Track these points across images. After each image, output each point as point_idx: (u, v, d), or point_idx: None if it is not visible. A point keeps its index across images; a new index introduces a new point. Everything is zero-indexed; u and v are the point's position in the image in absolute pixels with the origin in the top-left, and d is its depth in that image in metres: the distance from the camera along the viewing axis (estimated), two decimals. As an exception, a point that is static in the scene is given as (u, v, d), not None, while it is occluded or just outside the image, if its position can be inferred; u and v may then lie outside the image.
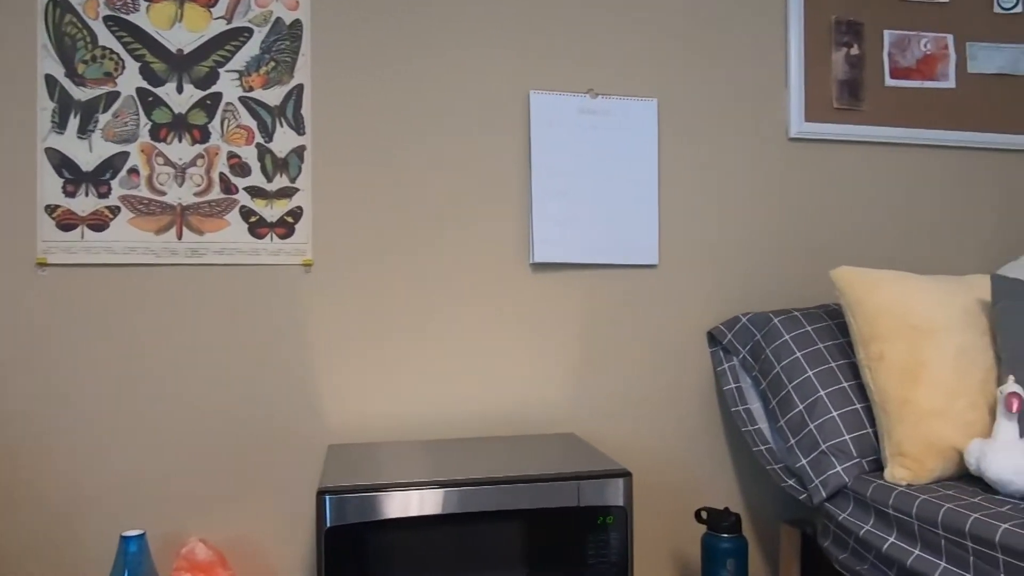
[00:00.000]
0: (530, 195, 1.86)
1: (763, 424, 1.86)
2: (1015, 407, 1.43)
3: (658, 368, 1.95)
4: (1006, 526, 1.26)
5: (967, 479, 1.53)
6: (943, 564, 1.37)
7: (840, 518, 1.59)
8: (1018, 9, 2.21)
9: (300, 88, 1.78)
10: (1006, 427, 1.43)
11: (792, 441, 1.73)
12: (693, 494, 1.96)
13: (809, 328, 1.83)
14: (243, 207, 1.75)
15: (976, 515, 1.32)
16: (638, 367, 1.93)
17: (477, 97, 1.85)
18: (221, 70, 1.74)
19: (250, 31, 1.76)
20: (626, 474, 1.35)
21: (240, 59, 1.75)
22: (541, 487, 1.33)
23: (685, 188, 1.97)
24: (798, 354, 1.78)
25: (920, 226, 2.13)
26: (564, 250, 1.87)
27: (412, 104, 1.82)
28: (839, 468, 1.62)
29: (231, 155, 1.75)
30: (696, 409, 1.98)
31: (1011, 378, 1.49)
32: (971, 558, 1.31)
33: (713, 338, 1.97)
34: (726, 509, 1.68)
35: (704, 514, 1.73)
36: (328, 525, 1.28)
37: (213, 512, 1.72)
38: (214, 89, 1.74)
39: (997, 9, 2.19)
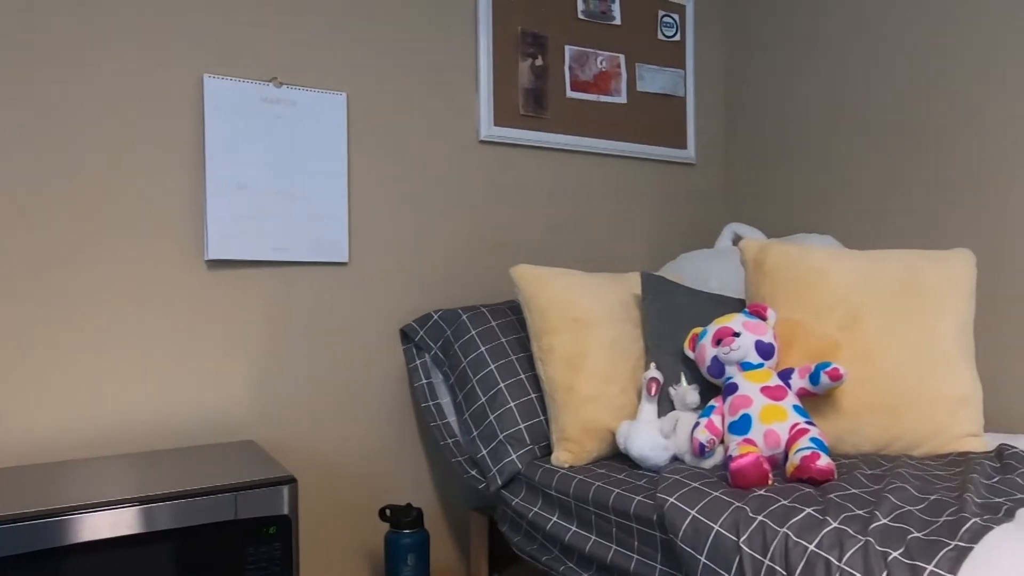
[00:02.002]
0: (204, 188, 1.73)
1: (452, 418, 1.91)
2: (653, 391, 1.60)
3: (350, 368, 1.91)
4: (639, 498, 1.40)
5: (620, 457, 1.69)
6: (593, 538, 1.50)
7: (514, 503, 1.68)
8: (677, 38, 2.50)
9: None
10: (647, 409, 1.60)
11: (475, 433, 1.79)
12: (386, 492, 1.96)
13: (494, 323, 1.91)
14: None
15: (618, 490, 1.46)
16: (328, 368, 1.88)
17: (141, 77, 1.67)
18: None
19: None
20: (290, 481, 1.30)
21: None
22: (194, 503, 1.22)
23: (377, 185, 1.96)
24: (482, 348, 1.85)
25: (595, 227, 2.33)
26: (244, 246, 1.76)
27: (60, 80, 1.60)
28: (514, 456, 1.71)
29: None
30: (390, 407, 1.98)
31: (652, 365, 1.67)
32: (614, 529, 1.45)
33: (406, 335, 1.98)
34: (408, 505, 1.69)
35: (388, 512, 1.73)
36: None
37: None
38: None
39: (660, 36, 2.47)
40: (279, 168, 1.80)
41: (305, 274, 1.85)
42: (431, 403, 1.92)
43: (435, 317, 1.95)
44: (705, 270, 2.21)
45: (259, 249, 1.78)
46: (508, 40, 2.15)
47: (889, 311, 1.59)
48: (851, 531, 1.09)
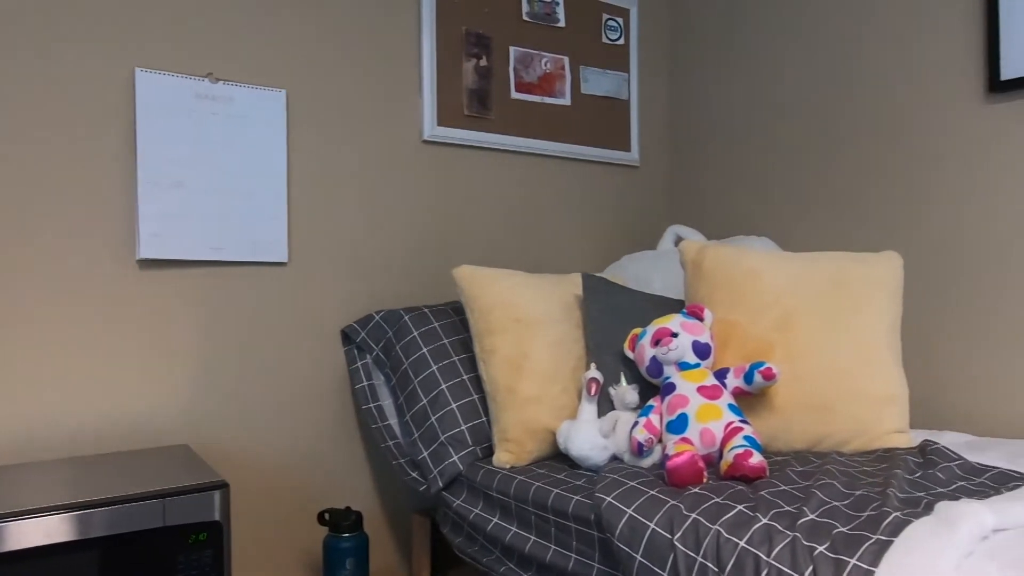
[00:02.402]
0: (136, 185, 1.67)
1: (393, 420, 1.90)
2: (593, 391, 1.61)
3: (289, 370, 1.88)
4: (577, 498, 1.41)
5: (560, 457, 1.70)
6: (533, 538, 1.50)
7: (455, 504, 1.67)
8: (621, 41, 2.53)
9: None
10: (587, 409, 1.62)
11: (416, 434, 1.78)
12: (327, 496, 1.93)
13: (436, 324, 1.90)
14: None
15: (557, 490, 1.46)
16: (267, 370, 1.85)
17: (69, 70, 1.61)
18: None
19: None
20: (221, 486, 1.27)
21: None
22: (120, 510, 1.19)
23: (318, 184, 1.93)
24: (424, 350, 1.84)
25: (539, 229, 2.34)
26: (178, 246, 1.72)
27: (-20, 70, 1.53)
28: (455, 457, 1.70)
29: None
30: (330, 410, 1.95)
31: (593, 365, 1.68)
32: (553, 529, 1.45)
33: (347, 336, 1.96)
34: (347, 508, 1.67)
35: (326, 515, 1.71)
36: None
37: None
38: None
39: (605, 39, 2.49)
40: (215, 166, 1.76)
41: (243, 274, 1.81)
42: (372, 405, 1.90)
43: (377, 318, 1.93)
44: (648, 271, 2.24)
45: (194, 249, 1.73)
46: (452, 40, 2.14)
47: (820, 312, 1.63)
48: (780, 527, 1.11)
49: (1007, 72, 1.78)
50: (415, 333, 1.87)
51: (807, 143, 2.25)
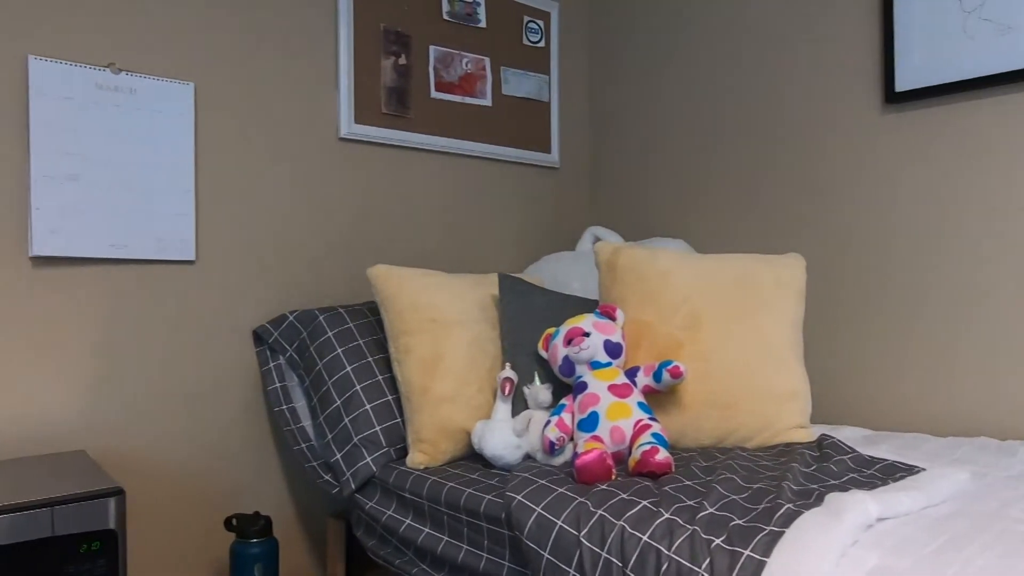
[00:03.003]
0: (29, 178, 1.59)
1: (307, 422, 1.86)
2: (507, 390, 1.62)
3: (197, 372, 1.82)
4: (489, 497, 1.41)
5: (475, 457, 1.70)
6: (445, 538, 1.50)
7: (368, 507, 1.65)
8: (542, 44, 2.55)
9: None
10: (501, 408, 1.62)
11: (329, 436, 1.75)
12: (237, 501, 1.88)
13: (352, 324, 1.87)
14: None
15: (470, 490, 1.46)
16: (173, 373, 1.78)
17: (-44, 55, 1.52)
18: None
19: None
20: (116, 493, 1.22)
21: None
22: (1, 520, 1.12)
23: (228, 181, 1.87)
24: (339, 350, 1.81)
25: (460, 229, 2.33)
26: (76, 243, 1.64)
27: None
28: (369, 459, 1.68)
29: None
30: (241, 413, 1.90)
31: (507, 365, 1.69)
32: (465, 529, 1.45)
33: (259, 337, 1.91)
34: (256, 513, 1.63)
35: (234, 521, 1.66)
36: None
37: None
38: None
39: (526, 41, 2.50)
40: (118, 160, 1.69)
41: (147, 273, 1.75)
42: (285, 407, 1.86)
43: (290, 318, 1.89)
44: (566, 272, 2.26)
45: (94, 246, 1.66)
46: (370, 37, 2.12)
47: (727, 311, 1.68)
48: (681, 521, 1.14)
49: (901, 84, 1.88)
50: (330, 334, 1.84)
51: (720, 150, 2.31)
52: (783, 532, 1.04)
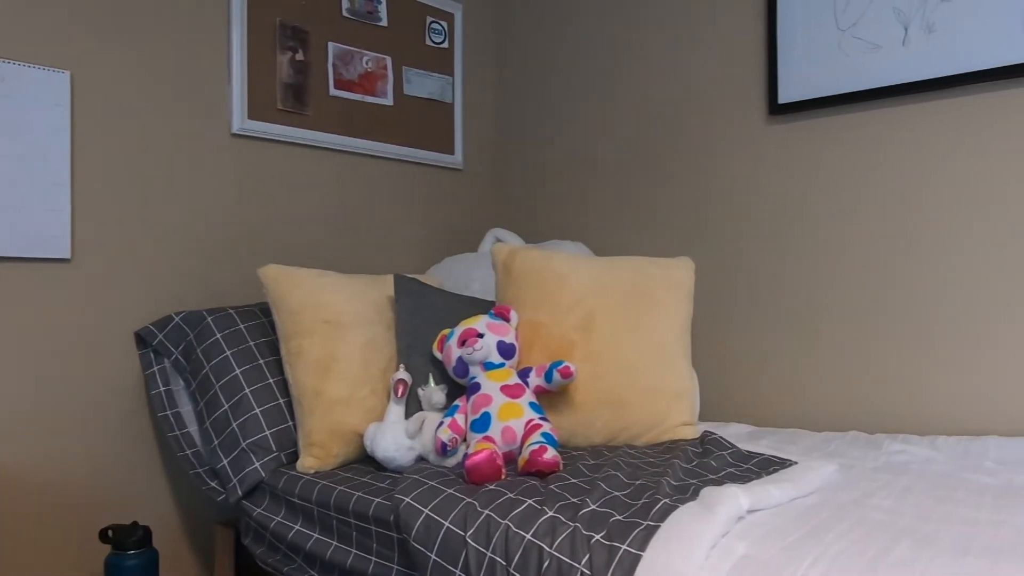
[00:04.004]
0: None
1: (192, 427, 1.79)
2: (400, 392, 1.61)
3: (72, 377, 1.73)
4: (378, 500, 1.40)
5: (368, 460, 1.68)
6: (334, 543, 1.47)
7: (256, 513, 1.61)
8: (445, 45, 2.55)
9: None
10: (394, 410, 1.61)
11: (216, 442, 1.69)
12: (117, 511, 1.79)
13: (242, 326, 1.82)
14: None
15: (359, 493, 1.44)
16: (45, 378, 1.68)
17: None
18: None
19: None
20: (-30, 505, 1.14)
21: None
22: None
23: (109, 175, 1.79)
24: (228, 352, 1.76)
25: (361, 229, 2.30)
26: (-66, 238, 1.53)
27: None
28: (257, 464, 1.63)
29: None
30: (121, 419, 1.81)
31: (402, 366, 1.68)
32: (354, 533, 1.43)
33: (142, 339, 1.83)
34: (134, 523, 1.56)
35: (110, 532, 1.58)
36: None
37: None
38: None
39: (429, 42, 2.49)
40: (-17, 150, 1.58)
41: (14, 271, 1.64)
42: (169, 412, 1.78)
43: (176, 319, 1.82)
44: (467, 274, 2.26)
45: (-46, 242, 1.55)
46: (265, 31, 2.06)
47: (619, 313, 1.72)
48: (563, 519, 1.16)
49: (784, 97, 1.97)
50: (218, 335, 1.78)
51: (617, 155, 2.37)
52: (658, 526, 1.07)
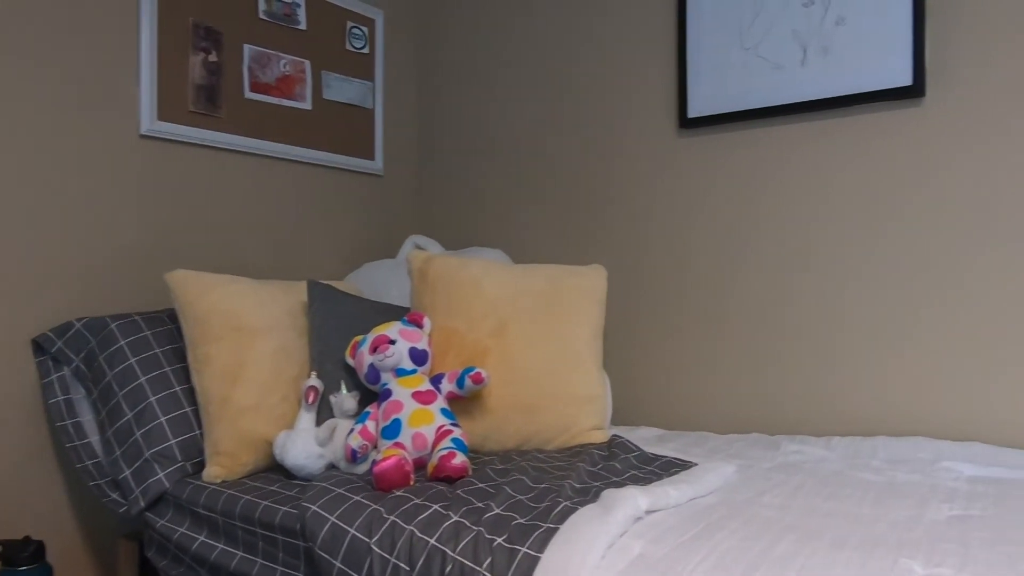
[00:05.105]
0: None
1: (93, 438, 1.73)
2: (311, 399, 1.60)
3: (-38, 384, 1.65)
4: (285, 509, 1.38)
5: (278, 468, 1.66)
6: (240, 553, 1.45)
7: (159, 525, 1.57)
8: (366, 50, 2.54)
9: None
10: (305, 418, 1.59)
11: (118, 452, 1.64)
12: (10, 526, 1.71)
13: (148, 333, 1.77)
14: None
15: (266, 502, 1.42)
16: (-68, 385, 1.60)
17: None
18: None
19: None
20: None
21: None
22: None
23: (5, 176, 1.71)
24: (132, 360, 1.71)
25: (278, 235, 2.27)
26: None
27: None
28: (161, 475, 1.59)
29: None
30: (17, 429, 1.73)
31: (313, 373, 1.66)
32: (260, 543, 1.41)
33: (39, 347, 1.75)
34: (26, 538, 1.50)
35: (0, 548, 1.52)
36: None
37: None
38: None
39: (349, 47, 2.48)
40: None
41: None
42: (68, 422, 1.72)
43: (78, 326, 1.75)
44: (386, 280, 2.26)
45: None
46: (178, 30, 2.01)
47: (532, 319, 1.75)
48: (468, 523, 1.17)
49: (692, 111, 2.05)
50: (122, 342, 1.73)
51: (534, 164, 2.41)
52: (558, 528, 1.10)
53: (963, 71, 1.72)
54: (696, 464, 1.47)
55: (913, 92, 1.74)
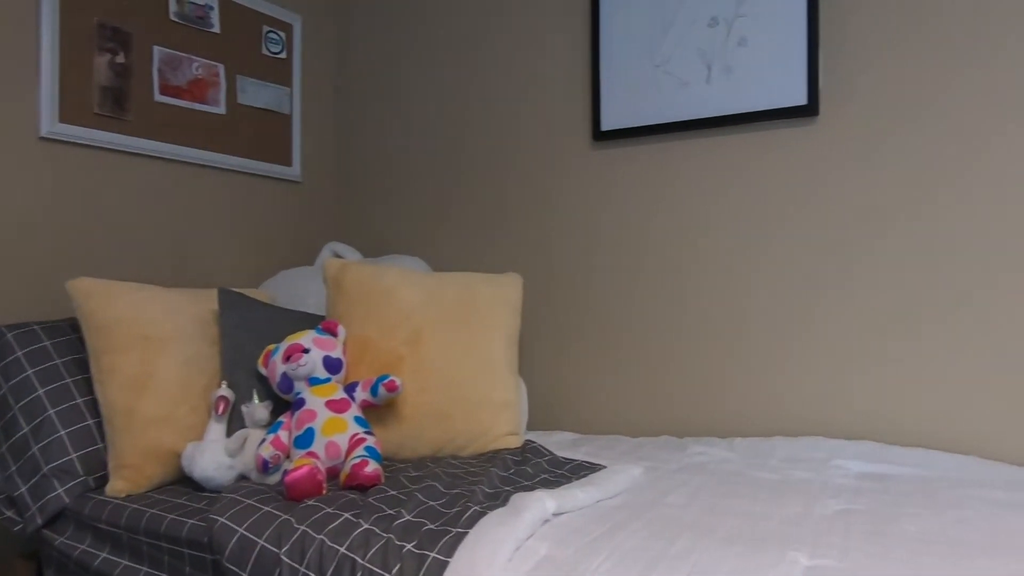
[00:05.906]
0: None
1: (-13, 453, 1.65)
2: (221, 409, 1.57)
3: None
4: (192, 522, 1.36)
5: (187, 481, 1.62)
6: (144, 569, 1.41)
7: (57, 542, 1.51)
8: (283, 55, 2.51)
9: None
10: (215, 428, 1.56)
11: (13, 468, 1.58)
12: None
13: (48, 343, 1.70)
14: None
15: (172, 516, 1.39)
16: None
17: None
18: None
19: None
20: None
21: None
22: None
23: None
24: (30, 371, 1.64)
25: (188, 242, 2.21)
26: None
27: None
28: (60, 490, 1.54)
29: None
30: (-99, 445, 1.64)
31: (224, 383, 1.64)
32: (166, 557, 1.38)
33: (-73, 358, 1.67)
34: (-90, 561, 1.42)
35: None
36: None
37: None
38: None
39: (265, 51, 2.45)
40: None
41: None
42: (-41, 437, 1.64)
43: (-30, 336, 1.67)
44: (303, 288, 2.24)
45: None
46: (82, 30, 1.95)
47: (448, 327, 1.77)
48: (378, 530, 1.18)
49: (605, 125, 2.11)
50: (19, 353, 1.66)
51: (452, 172, 2.43)
52: (467, 532, 1.12)
53: (854, 92, 1.83)
54: (605, 467, 1.52)
55: (808, 111, 1.84)
